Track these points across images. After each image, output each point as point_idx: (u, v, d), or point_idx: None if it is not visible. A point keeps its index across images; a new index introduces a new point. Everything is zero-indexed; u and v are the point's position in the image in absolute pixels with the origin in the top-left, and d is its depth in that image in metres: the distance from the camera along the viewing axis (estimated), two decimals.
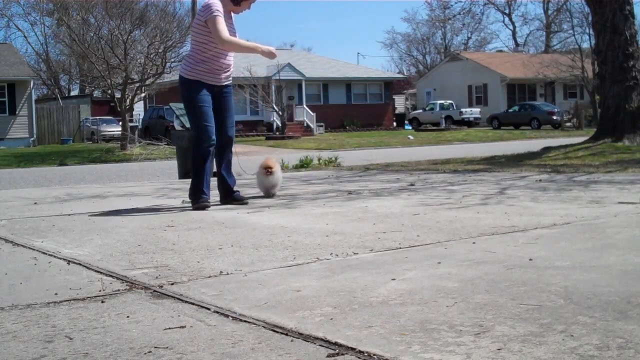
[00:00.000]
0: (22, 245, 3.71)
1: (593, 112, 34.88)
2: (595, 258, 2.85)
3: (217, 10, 5.15)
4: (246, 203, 5.36)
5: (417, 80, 56.08)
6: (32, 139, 33.33)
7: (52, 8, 45.22)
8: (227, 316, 2.18)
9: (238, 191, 5.50)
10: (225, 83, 5.41)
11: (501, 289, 2.37)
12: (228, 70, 5.39)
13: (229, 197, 5.44)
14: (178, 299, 2.43)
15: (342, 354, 1.77)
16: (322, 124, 38.24)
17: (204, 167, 5.26)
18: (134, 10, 28.71)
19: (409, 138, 31.51)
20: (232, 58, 5.40)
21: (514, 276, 2.57)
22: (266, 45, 5.42)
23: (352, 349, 1.81)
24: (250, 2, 5.38)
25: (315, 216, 4.55)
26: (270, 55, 5.31)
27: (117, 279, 2.80)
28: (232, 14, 5.40)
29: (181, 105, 14.06)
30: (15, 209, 5.56)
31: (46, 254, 3.42)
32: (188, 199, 5.74)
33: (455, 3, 60.24)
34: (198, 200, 5.19)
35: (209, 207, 5.16)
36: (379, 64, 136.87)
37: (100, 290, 2.60)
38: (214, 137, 5.24)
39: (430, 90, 50.16)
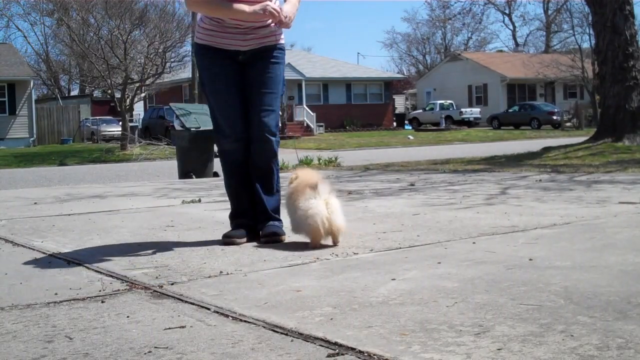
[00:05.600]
0: (22, 245, 3.71)
1: (593, 112, 34.88)
2: (595, 258, 2.85)
3: None
4: (279, 241, 3.49)
5: (417, 80, 56.08)
6: (32, 139, 33.34)
7: (52, 8, 45.20)
8: (227, 316, 2.18)
9: (278, 220, 3.58)
10: (258, 46, 3.52)
11: (501, 289, 2.37)
12: (249, 30, 3.48)
13: (259, 226, 3.59)
14: (178, 299, 2.43)
15: (342, 354, 1.77)
16: (322, 124, 38.25)
17: (229, 180, 3.66)
18: (134, 10, 28.73)
19: (408, 138, 31.51)
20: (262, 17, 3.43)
21: (514, 276, 2.56)
22: None
23: (352, 349, 1.81)
24: None
25: None
26: (273, 18, 3.38)
27: (117, 279, 2.80)
28: None
29: (181, 105, 14.10)
30: (15, 209, 5.55)
31: (46, 254, 3.42)
32: (188, 200, 5.72)
33: (455, 3, 60.37)
34: (231, 227, 3.64)
35: (237, 243, 3.46)
36: (379, 64, 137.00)
37: (100, 290, 2.60)
38: (233, 132, 3.54)
39: (430, 90, 50.16)
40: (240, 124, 3.54)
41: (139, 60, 28.40)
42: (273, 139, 3.56)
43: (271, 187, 3.60)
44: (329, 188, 3.33)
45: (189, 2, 3.48)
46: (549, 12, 57.51)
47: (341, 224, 3.26)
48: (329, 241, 3.32)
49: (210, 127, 11.86)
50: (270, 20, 3.45)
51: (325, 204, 3.22)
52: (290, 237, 3.51)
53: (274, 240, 3.47)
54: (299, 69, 38.71)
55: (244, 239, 3.51)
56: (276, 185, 3.64)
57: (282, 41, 3.61)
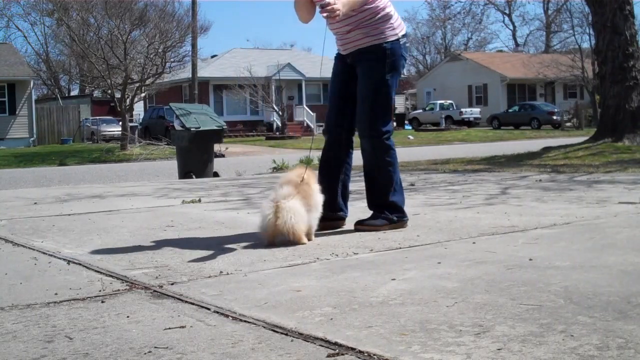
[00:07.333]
0: (22, 245, 3.71)
1: (593, 112, 34.89)
2: (595, 258, 2.85)
3: None
4: (360, 230, 3.82)
5: (417, 80, 56.05)
6: (32, 139, 33.35)
7: (52, 8, 45.20)
8: (227, 316, 2.18)
9: (379, 213, 3.91)
10: (354, 49, 3.84)
11: (501, 289, 2.37)
12: (343, 36, 3.85)
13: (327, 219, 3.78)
14: (178, 299, 2.43)
15: (342, 354, 1.77)
16: (322, 124, 38.20)
17: (320, 168, 3.94)
18: (134, 10, 28.74)
19: (409, 138, 31.51)
20: (345, 24, 3.77)
21: (514, 276, 2.56)
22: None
23: (352, 349, 1.81)
24: None
25: None
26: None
27: (117, 279, 2.80)
28: None
29: (181, 105, 14.09)
30: (15, 209, 5.55)
31: (46, 254, 3.42)
32: (188, 200, 5.73)
33: (456, 3, 60.40)
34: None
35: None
36: None
37: (100, 290, 2.60)
38: (327, 123, 3.97)
39: (430, 90, 50.14)
40: (333, 117, 3.94)
41: (139, 60, 28.42)
42: (362, 134, 3.83)
43: (372, 179, 3.88)
44: (289, 191, 3.37)
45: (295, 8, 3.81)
46: (549, 12, 57.54)
47: (290, 226, 3.30)
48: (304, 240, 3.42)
49: (209, 127, 11.86)
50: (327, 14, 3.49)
51: (275, 208, 3.30)
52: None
53: (356, 229, 3.83)
54: (299, 69, 38.73)
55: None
56: (383, 178, 3.83)
57: (377, 42, 3.81)
